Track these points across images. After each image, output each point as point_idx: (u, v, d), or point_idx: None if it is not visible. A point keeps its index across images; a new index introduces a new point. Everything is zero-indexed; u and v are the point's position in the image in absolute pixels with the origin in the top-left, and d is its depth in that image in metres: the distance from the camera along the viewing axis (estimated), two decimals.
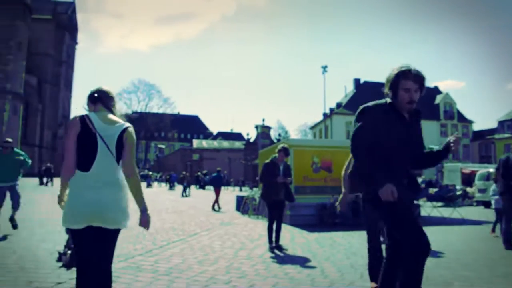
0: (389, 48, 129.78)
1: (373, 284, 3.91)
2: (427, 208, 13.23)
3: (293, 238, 7.76)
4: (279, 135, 66.63)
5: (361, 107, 2.85)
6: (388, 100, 2.81)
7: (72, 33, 70.06)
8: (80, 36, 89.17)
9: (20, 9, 50.74)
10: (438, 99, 54.77)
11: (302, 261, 5.51)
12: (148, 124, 75.19)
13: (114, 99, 2.81)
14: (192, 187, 32.06)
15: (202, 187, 39.16)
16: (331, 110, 53.43)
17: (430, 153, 2.93)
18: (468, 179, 22.43)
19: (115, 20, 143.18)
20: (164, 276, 4.46)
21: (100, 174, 2.55)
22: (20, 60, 51.24)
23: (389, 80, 2.79)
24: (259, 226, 9.73)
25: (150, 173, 49.04)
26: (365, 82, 55.40)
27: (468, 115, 56.64)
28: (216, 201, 14.98)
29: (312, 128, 63.45)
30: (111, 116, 2.71)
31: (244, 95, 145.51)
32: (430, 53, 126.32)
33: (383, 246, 3.25)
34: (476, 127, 56.66)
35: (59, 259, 4.84)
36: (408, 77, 2.71)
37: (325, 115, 53.35)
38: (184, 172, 33.83)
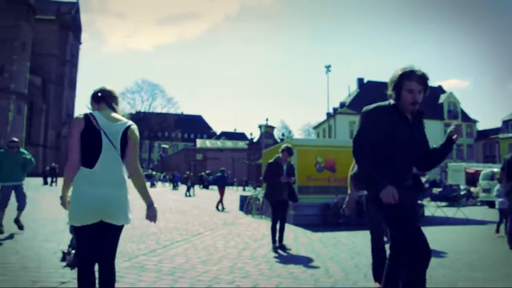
0: (392, 48, 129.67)
1: (377, 284, 3.90)
2: (431, 208, 13.21)
3: (296, 238, 7.75)
4: (283, 134, 66.70)
5: (364, 109, 2.84)
6: (391, 101, 2.81)
7: (76, 33, 70.33)
8: (83, 36, 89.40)
9: (23, 9, 50.90)
10: (442, 98, 54.58)
11: (306, 261, 5.49)
12: (152, 124, 75.27)
13: (117, 99, 2.83)
14: (196, 187, 32.10)
15: (206, 187, 39.25)
16: (335, 109, 53.30)
17: (435, 149, 2.92)
18: (472, 179, 22.34)
19: (119, 20, 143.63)
20: (167, 276, 4.46)
21: (105, 170, 2.56)
22: (24, 60, 51.47)
23: (393, 81, 2.77)
24: (262, 226, 9.73)
25: (154, 173, 49.09)
26: (369, 82, 55.26)
27: (472, 114, 56.62)
28: (221, 201, 15.00)
29: (315, 127, 63.33)
30: (114, 114, 2.72)
31: (247, 95, 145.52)
32: (432, 52, 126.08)
33: (387, 246, 3.24)
34: (480, 126, 56.57)
35: (63, 259, 4.86)
36: (412, 78, 2.70)
37: (328, 114, 53.35)
38: (187, 172, 33.97)
